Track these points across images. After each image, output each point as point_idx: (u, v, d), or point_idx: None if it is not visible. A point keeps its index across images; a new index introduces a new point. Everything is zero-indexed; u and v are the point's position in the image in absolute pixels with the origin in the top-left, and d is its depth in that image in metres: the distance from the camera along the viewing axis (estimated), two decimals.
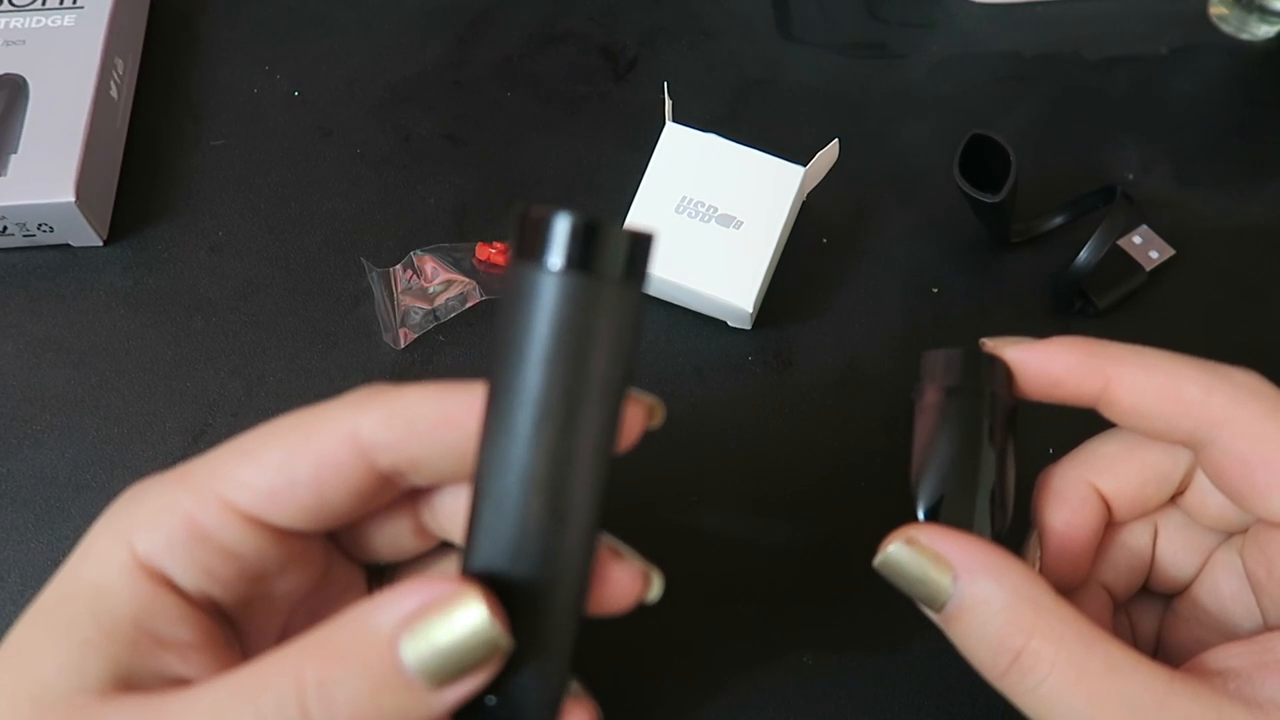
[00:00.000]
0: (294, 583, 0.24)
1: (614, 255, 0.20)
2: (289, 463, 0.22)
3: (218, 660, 0.22)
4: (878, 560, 0.25)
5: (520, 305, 0.20)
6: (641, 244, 0.20)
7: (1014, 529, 0.26)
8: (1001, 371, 0.26)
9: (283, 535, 0.23)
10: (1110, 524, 0.28)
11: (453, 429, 0.22)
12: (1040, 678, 0.22)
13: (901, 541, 0.24)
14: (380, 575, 0.27)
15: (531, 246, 0.20)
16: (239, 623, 0.24)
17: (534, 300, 0.20)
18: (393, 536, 0.25)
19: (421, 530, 0.25)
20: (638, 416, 0.22)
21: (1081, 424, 0.28)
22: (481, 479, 0.21)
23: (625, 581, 0.23)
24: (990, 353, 0.26)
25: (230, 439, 0.23)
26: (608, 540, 0.23)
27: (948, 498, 0.25)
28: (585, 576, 0.22)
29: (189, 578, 0.22)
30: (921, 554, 0.24)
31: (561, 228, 0.20)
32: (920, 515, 0.26)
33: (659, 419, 0.23)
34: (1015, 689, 0.23)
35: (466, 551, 0.21)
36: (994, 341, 0.26)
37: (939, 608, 0.24)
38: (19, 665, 0.21)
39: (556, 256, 0.20)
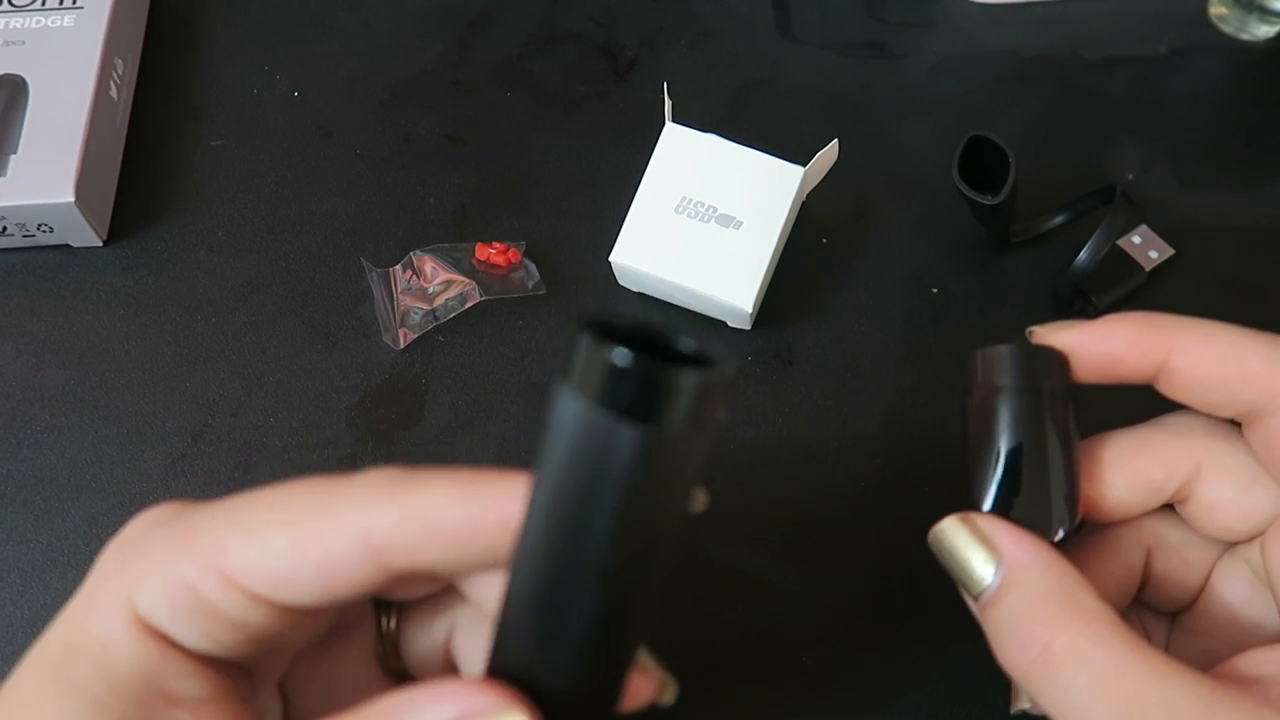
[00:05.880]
0: (303, 637, 0.24)
1: (680, 403, 0.17)
2: (294, 554, 0.21)
3: (228, 713, 0.22)
4: (930, 535, 0.25)
5: (566, 440, 0.18)
6: (716, 388, 0.17)
7: None
8: (1056, 362, 0.25)
9: (290, 608, 0.22)
10: (1097, 531, 0.28)
11: (475, 537, 0.20)
12: (1071, 676, 0.22)
13: (955, 519, 0.24)
14: (389, 605, 0.26)
15: (585, 374, 0.17)
16: (248, 668, 0.23)
17: (582, 439, 0.18)
18: (406, 584, 0.24)
19: (436, 578, 0.24)
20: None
21: (1096, 424, 0.28)
22: (519, 583, 0.19)
23: (643, 689, 0.23)
24: (1043, 344, 0.26)
25: (236, 498, 0.22)
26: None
27: (1019, 499, 0.25)
28: (619, 695, 0.21)
29: (193, 641, 0.21)
30: (972, 534, 0.24)
31: (622, 367, 0.17)
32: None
33: (700, 507, 0.22)
34: (1040, 685, 0.22)
35: (495, 648, 0.20)
36: (1042, 329, 0.26)
37: (977, 593, 0.24)
38: None
39: (614, 398, 0.17)
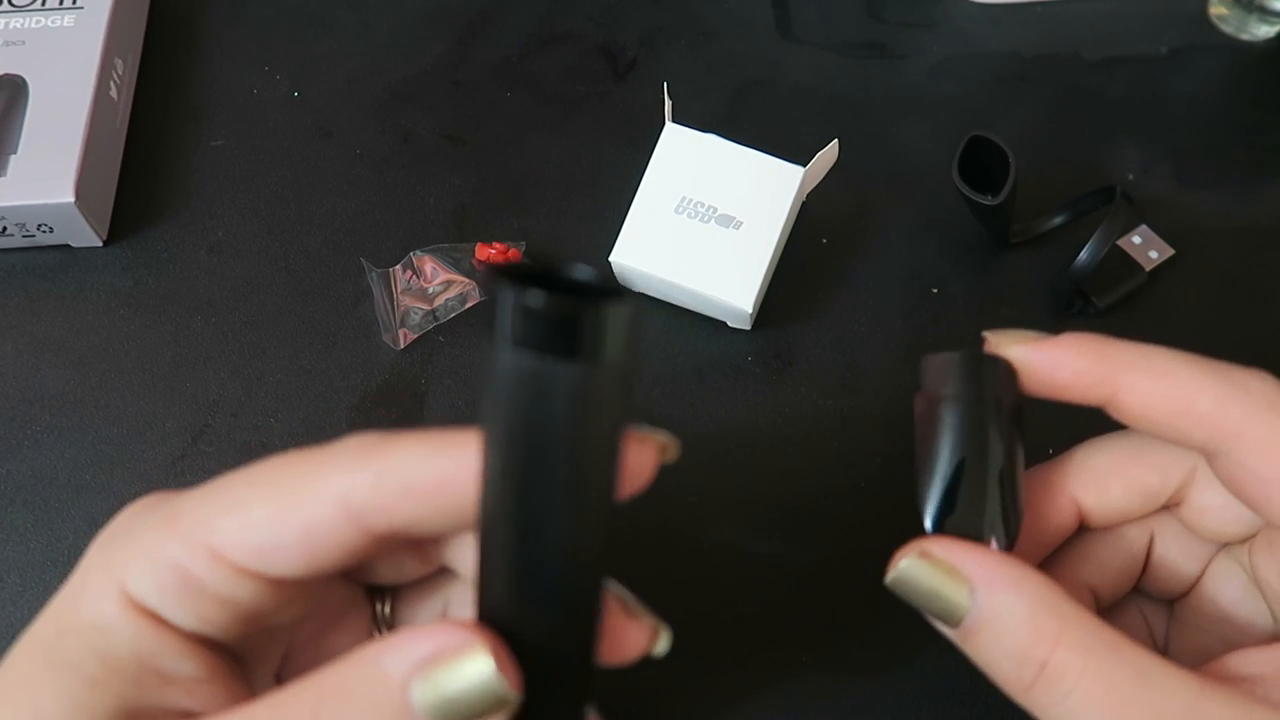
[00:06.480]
0: (293, 615, 0.24)
1: (590, 335, 0.18)
2: (276, 524, 0.21)
3: (224, 692, 0.22)
4: (889, 577, 0.24)
5: (496, 383, 0.19)
6: (621, 317, 0.18)
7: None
8: (1005, 372, 0.25)
9: (277, 581, 0.22)
10: (1093, 528, 0.28)
11: (447, 493, 0.21)
12: (1069, 688, 0.22)
13: (914, 555, 0.23)
14: (382, 591, 0.27)
15: (503, 321, 0.18)
16: (240, 652, 0.23)
17: (508, 382, 0.19)
18: (395, 564, 0.25)
19: (425, 557, 0.25)
20: (650, 456, 0.22)
21: (1082, 428, 0.28)
22: (484, 532, 0.21)
23: (634, 636, 0.23)
24: (992, 354, 0.25)
25: (220, 477, 0.22)
26: (621, 594, 0.23)
27: (957, 509, 0.25)
28: (594, 627, 0.21)
29: (184, 620, 0.22)
30: (936, 568, 0.23)
31: (531, 307, 0.18)
32: (928, 527, 0.25)
33: (672, 455, 0.23)
34: (1041, 702, 0.22)
35: (478, 598, 0.21)
36: (996, 337, 0.26)
37: (956, 623, 0.23)
38: (21, 702, 0.21)
39: (527, 338, 0.18)
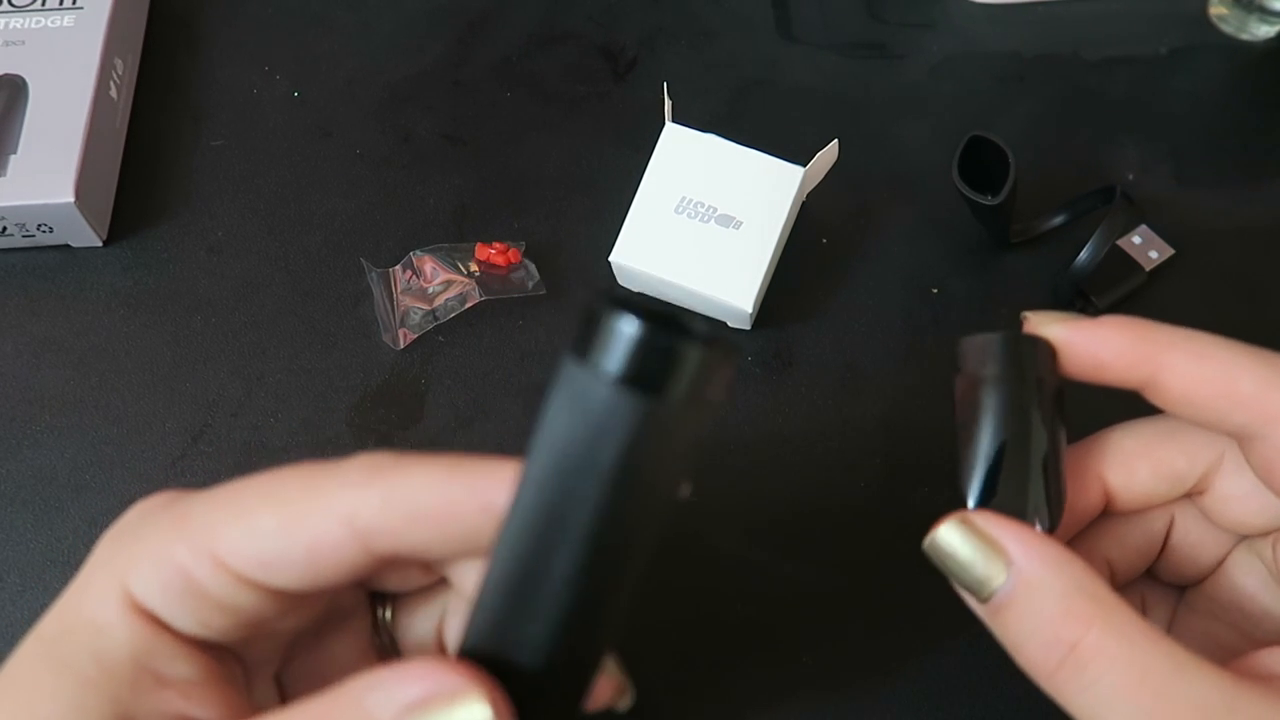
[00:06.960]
0: (295, 623, 0.24)
1: (685, 373, 0.17)
2: (281, 537, 0.21)
3: (221, 695, 0.22)
4: (926, 542, 0.24)
5: (567, 408, 0.18)
6: (718, 363, 0.17)
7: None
8: (1045, 353, 0.25)
9: (279, 592, 0.22)
10: (1117, 512, 0.27)
11: (455, 522, 0.21)
12: (1099, 674, 0.21)
13: (955, 523, 0.23)
14: (384, 596, 0.27)
15: (590, 343, 0.17)
16: (242, 655, 0.23)
17: (582, 408, 0.17)
18: (400, 574, 0.25)
19: (429, 568, 0.25)
20: None
21: (1095, 418, 0.27)
22: (501, 562, 0.19)
23: (601, 688, 0.23)
24: (1032, 334, 0.25)
25: (231, 483, 0.22)
26: None
27: (1000, 490, 0.25)
28: (592, 679, 0.20)
29: (184, 624, 0.22)
30: (975, 537, 0.23)
31: (627, 333, 0.17)
32: (971, 507, 0.25)
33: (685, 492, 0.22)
34: (1067, 686, 0.22)
35: (471, 624, 0.20)
36: (1036, 317, 0.25)
37: (986, 596, 0.23)
38: (18, 701, 0.21)
39: (615, 363, 0.17)
